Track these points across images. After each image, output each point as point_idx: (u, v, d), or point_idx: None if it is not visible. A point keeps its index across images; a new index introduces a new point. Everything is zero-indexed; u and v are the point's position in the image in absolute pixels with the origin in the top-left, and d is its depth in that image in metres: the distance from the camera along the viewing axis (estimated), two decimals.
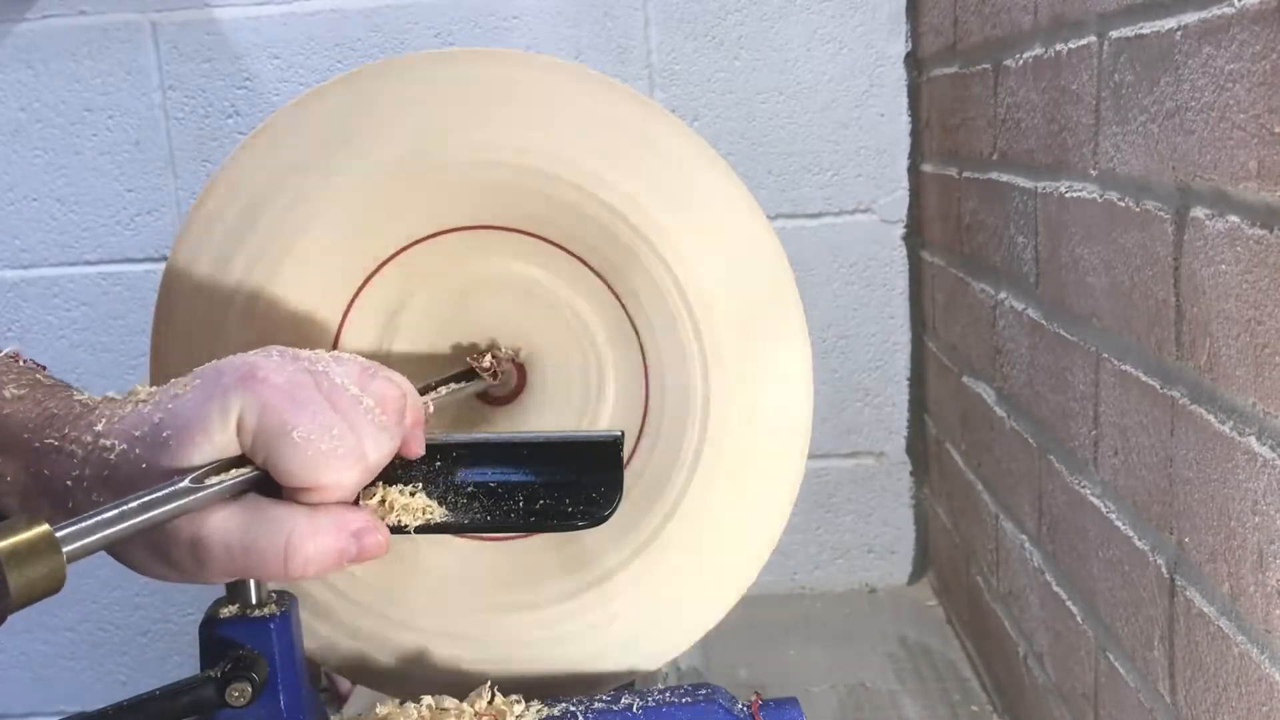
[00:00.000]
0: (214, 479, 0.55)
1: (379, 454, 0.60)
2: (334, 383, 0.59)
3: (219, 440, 0.56)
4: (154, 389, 0.60)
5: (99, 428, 0.58)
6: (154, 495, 0.52)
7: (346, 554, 0.59)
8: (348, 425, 0.58)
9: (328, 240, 0.77)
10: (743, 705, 0.71)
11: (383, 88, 0.76)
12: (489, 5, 1.46)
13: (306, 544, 0.57)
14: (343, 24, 1.47)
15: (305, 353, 0.61)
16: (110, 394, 0.62)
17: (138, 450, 0.56)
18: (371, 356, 0.80)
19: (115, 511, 0.50)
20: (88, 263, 1.54)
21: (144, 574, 0.59)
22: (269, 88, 1.49)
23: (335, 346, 0.79)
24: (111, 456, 0.56)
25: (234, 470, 0.56)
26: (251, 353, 0.60)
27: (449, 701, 0.70)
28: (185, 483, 0.53)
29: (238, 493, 0.56)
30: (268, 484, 0.58)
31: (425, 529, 0.66)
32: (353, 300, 0.79)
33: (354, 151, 0.75)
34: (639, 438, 0.80)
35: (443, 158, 0.76)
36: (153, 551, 0.57)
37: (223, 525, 0.56)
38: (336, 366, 0.61)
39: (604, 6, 1.46)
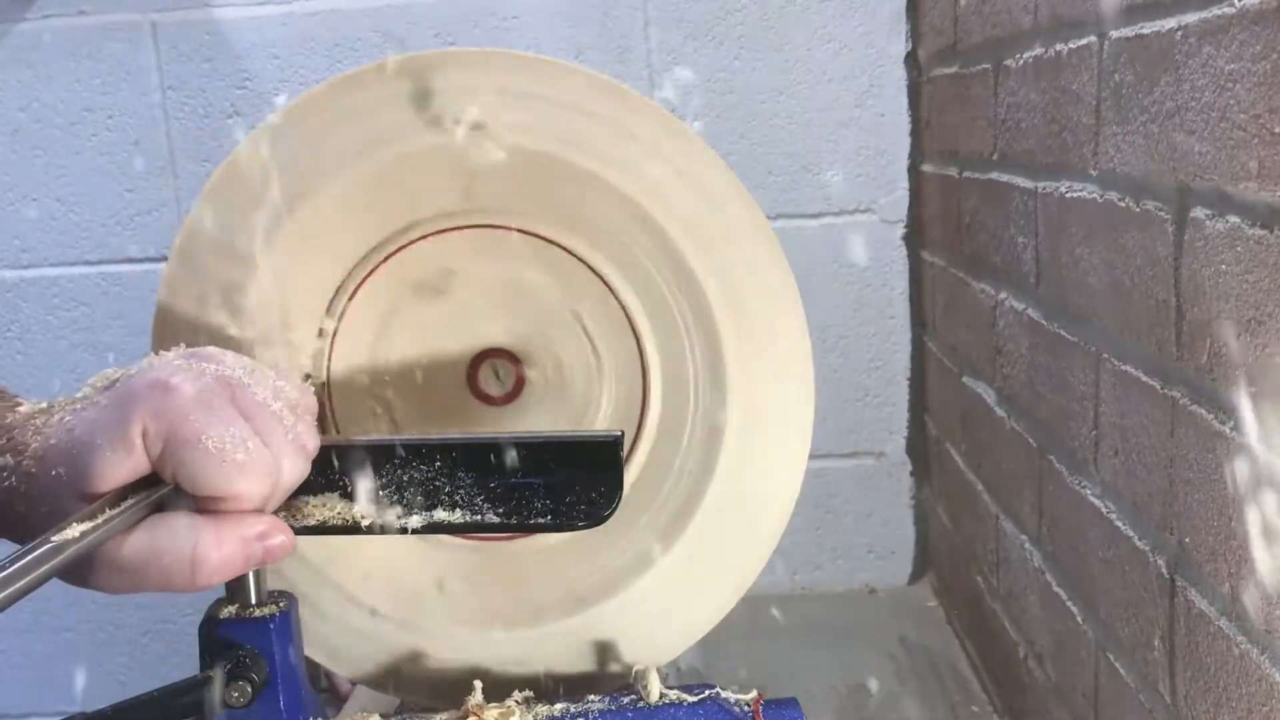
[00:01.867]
0: (116, 509, 0.54)
1: (294, 473, 0.60)
2: (252, 396, 0.59)
3: (126, 456, 0.55)
4: (80, 398, 0.59)
5: (24, 439, 0.57)
6: (30, 556, 0.49)
7: (252, 559, 0.58)
8: (262, 440, 0.58)
9: (318, 240, 0.76)
10: (744, 704, 0.70)
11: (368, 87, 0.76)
12: (489, 5, 1.46)
13: (212, 554, 0.56)
14: (343, 24, 1.47)
15: (233, 364, 0.61)
16: (43, 403, 0.61)
17: (54, 464, 0.56)
18: (369, 360, 0.80)
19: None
20: (88, 263, 1.54)
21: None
22: (269, 88, 1.49)
23: (331, 350, 0.79)
24: (32, 469, 0.56)
25: (129, 500, 0.55)
26: (169, 359, 0.60)
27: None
28: (59, 536, 0.51)
29: (141, 517, 0.55)
30: (174, 498, 0.57)
31: (426, 529, 0.66)
32: (349, 300, 0.79)
33: (345, 150, 0.75)
34: (636, 439, 0.80)
35: (440, 150, 0.75)
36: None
37: (129, 545, 0.56)
38: (261, 382, 0.60)
39: (604, 6, 1.46)
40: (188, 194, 1.51)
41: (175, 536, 0.56)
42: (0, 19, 1.48)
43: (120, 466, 0.55)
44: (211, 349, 0.62)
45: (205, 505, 0.57)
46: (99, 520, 0.53)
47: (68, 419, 0.57)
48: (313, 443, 0.62)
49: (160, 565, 0.56)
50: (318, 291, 0.78)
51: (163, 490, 0.56)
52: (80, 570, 0.55)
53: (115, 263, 1.54)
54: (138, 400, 0.56)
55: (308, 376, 0.76)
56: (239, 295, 0.76)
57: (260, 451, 0.57)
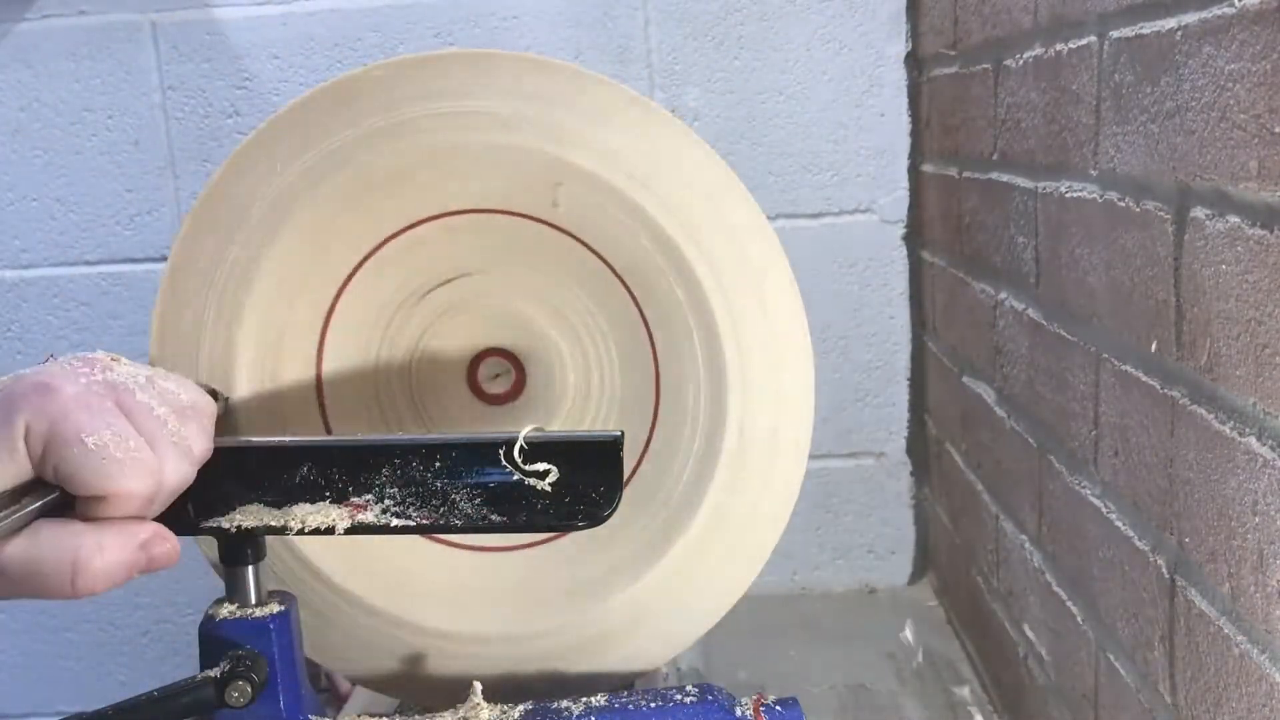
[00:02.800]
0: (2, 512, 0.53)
1: (177, 476, 0.59)
2: (135, 398, 0.59)
3: (9, 459, 0.55)
4: None
5: None
6: None
7: (136, 566, 0.57)
8: (145, 440, 0.57)
9: (309, 231, 0.76)
10: (744, 703, 0.71)
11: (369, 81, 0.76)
12: (489, 5, 1.46)
13: (93, 561, 0.56)
14: (343, 24, 1.47)
15: (120, 369, 0.60)
16: None
17: None
18: (369, 360, 0.80)
19: None
20: (88, 263, 1.54)
21: None
22: (269, 88, 1.49)
23: (321, 346, 0.79)
24: None
25: (14, 505, 0.54)
26: (55, 362, 0.60)
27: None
28: None
29: (24, 524, 0.55)
30: (57, 507, 0.56)
31: (426, 529, 0.66)
32: (338, 294, 0.78)
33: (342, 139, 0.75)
34: (647, 441, 0.80)
35: (444, 137, 0.75)
36: None
37: (9, 551, 0.55)
38: (145, 384, 0.60)
39: (604, 6, 1.46)
40: (188, 194, 1.51)
41: (56, 542, 0.55)
42: (0, 19, 1.48)
43: (3, 468, 0.54)
44: (101, 355, 0.62)
45: (88, 509, 0.56)
46: None
47: None
48: (200, 446, 0.62)
49: (39, 572, 0.55)
50: (314, 290, 0.78)
51: (49, 497, 0.55)
52: None
53: (115, 263, 1.54)
54: (19, 401, 0.55)
55: (216, 394, 0.75)
56: (238, 294, 0.76)
57: (142, 451, 0.57)
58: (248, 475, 0.65)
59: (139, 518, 0.58)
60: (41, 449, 0.55)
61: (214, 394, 0.75)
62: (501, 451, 0.65)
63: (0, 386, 0.57)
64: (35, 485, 0.56)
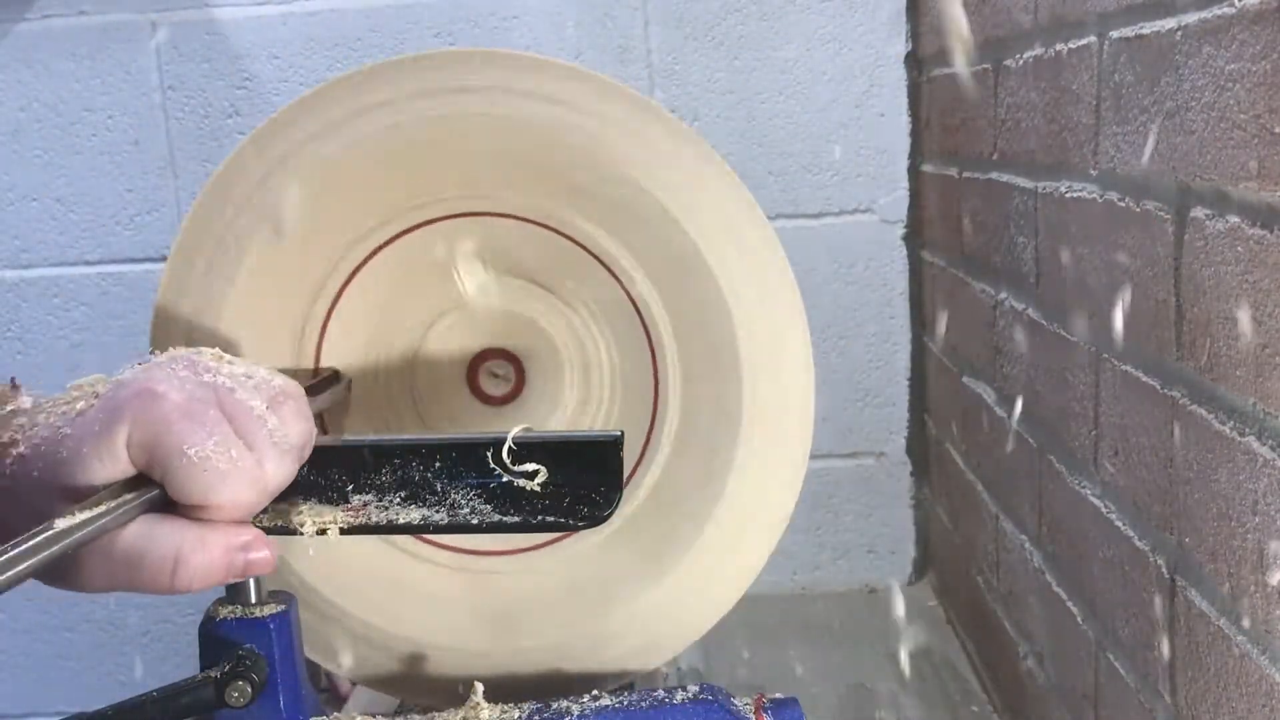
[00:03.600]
0: (102, 506, 0.54)
1: (279, 477, 0.59)
2: (237, 400, 0.59)
3: (111, 463, 0.55)
4: (65, 400, 0.59)
5: (12, 436, 0.57)
6: (32, 541, 0.50)
7: (233, 569, 0.58)
8: (246, 445, 0.58)
9: (311, 237, 0.77)
10: (744, 703, 0.71)
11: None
12: (489, 5, 1.46)
13: (194, 557, 0.56)
14: (343, 24, 1.47)
15: (216, 366, 0.61)
16: (26, 402, 0.61)
17: (36, 463, 0.56)
18: (369, 360, 0.80)
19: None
20: (88, 263, 1.54)
21: None
22: (269, 88, 1.49)
23: (320, 346, 0.79)
24: (15, 469, 0.56)
25: (125, 496, 0.55)
26: (158, 363, 0.60)
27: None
28: (63, 523, 0.51)
29: (127, 520, 0.55)
30: (162, 504, 0.57)
31: (426, 530, 0.66)
32: (346, 297, 0.79)
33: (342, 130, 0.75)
34: (645, 443, 0.80)
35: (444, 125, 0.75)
36: None
37: (123, 539, 0.55)
38: (246, 383, 0.60)
39: (604, 6, 1.46)
40: (188, 194, 1.51)
41: (162, 535, 0.56)
42: (0, 19, 1.48)
43: (103, 472, 0.55)
44: (202, 351, 0.62)
45: (192, 513, 0.57)
46: (99, 510, 0.53)
47: (54, 420, 0.57)
48: (298, 436, 0.61)
49: (143, 563, 0.56)
50: (311, 289, 0.78)
51: (151, 494, 0.56)
52: (68, 564, 0.55)
53: (115, 263, 1.54)
54: (124, 408, 0.56)
55: (337, 374, 0.77)
56: (236, 294, 0.76)
57: (244, 459, 0.57)
58: None
59: (242, 522, 0.58)
60: (146, 458, 0.56)
61: (337, 375, 0.77)
62: (489, 453, 0.65)
63: (106, 391, 0.58)
64: (140, 481, 0.56)
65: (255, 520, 0.63)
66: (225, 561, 0.57)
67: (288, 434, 0.60)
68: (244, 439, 0.58)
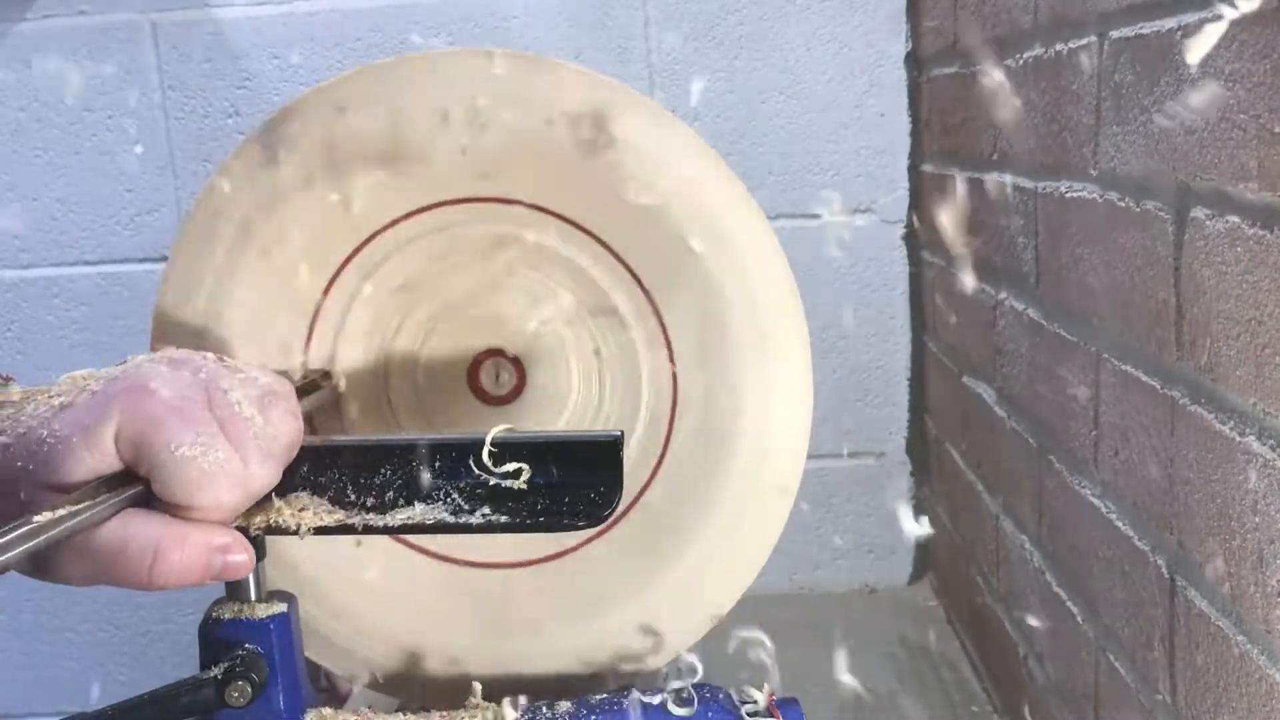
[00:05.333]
0: (85, 503, 0.54)
1: (263, 480, 0.59)
2: (229, 401, 0.59)
3: (98, 456, 0.55)
4: (54, 391, 0.59)
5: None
6: (13, 534, 0.50)
7: (211, 569, 0.58)
8: (233, 447, 0.58)
9: (308, 236, 0.77)
10: (743, 703, 0.71)
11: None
12: (489, 5, 1.46)
13: (172, 554, 0.56)
14: (343, 24, 1.47)
15: (209, 365, 0.61)
16: (15, 393, 0.61)
17: (22, 454, 0.56)
18: (369, 359, 0.80)
19: None
20: (88, 263, 1.54)
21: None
22: (269, 88, 1.49)
23: (310, 336, 0.79)
24: (1, 459, 0.56)
25: (108, 493, 0.55)
26: (151, 359, 0.60)
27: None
28: (43, 518, 0.52)
29: (117, 510, 0.55)
30: (145, 499, 0.57)
31: (426, 529, 0.65)
32: (330, 284, 0.79)
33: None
34: (665, 443, 0.80)
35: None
36: None
37: (103, 532, 0.55)
38: (238, 384, 0.60)
39: (604, 6, 1.46)
40: (188, 194, 1.51)
41: (144, 530, 0.56)
42: (0, 19, 1.48)
43: (89, 465, 0.55)
44: (193, 352, 0.62)
45: (175, 511, 0.57)
46: (80, 506, 0.53)
47: (43, 411, 0.57)
48: (286, 436, 0.61)
49: (123, 556, 0.56)
50: (311, 289, 0.78)
51: (135, 490, 0.56)
52: (51, 557, 0.55)
53: (115, 263, 1.54)
54: (114, 402, 0.56)
55: (327, 375, 0.77)
56: (234, 292, 0.77)
57: (230, 462, 0.57)
58: None
59: (224, 523, 0.58)
60: (133, 453, 0.56)
61: (327, 375, 0.77)
62: (500, 451, 0.64)
63: (98, 385, 0.58)
64: (125, 476, 0.56)
65: (248, 519, 0.63)
66: (203, 562, 0.57)
67: (275, 435, 0.60)
68: (231, 440, 0.58)
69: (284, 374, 0.66)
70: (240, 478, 0.58)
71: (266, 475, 0.60)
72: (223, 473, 0.57)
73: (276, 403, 0.61)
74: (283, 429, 0.61)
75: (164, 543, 0.56)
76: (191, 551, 0.57)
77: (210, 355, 0.62)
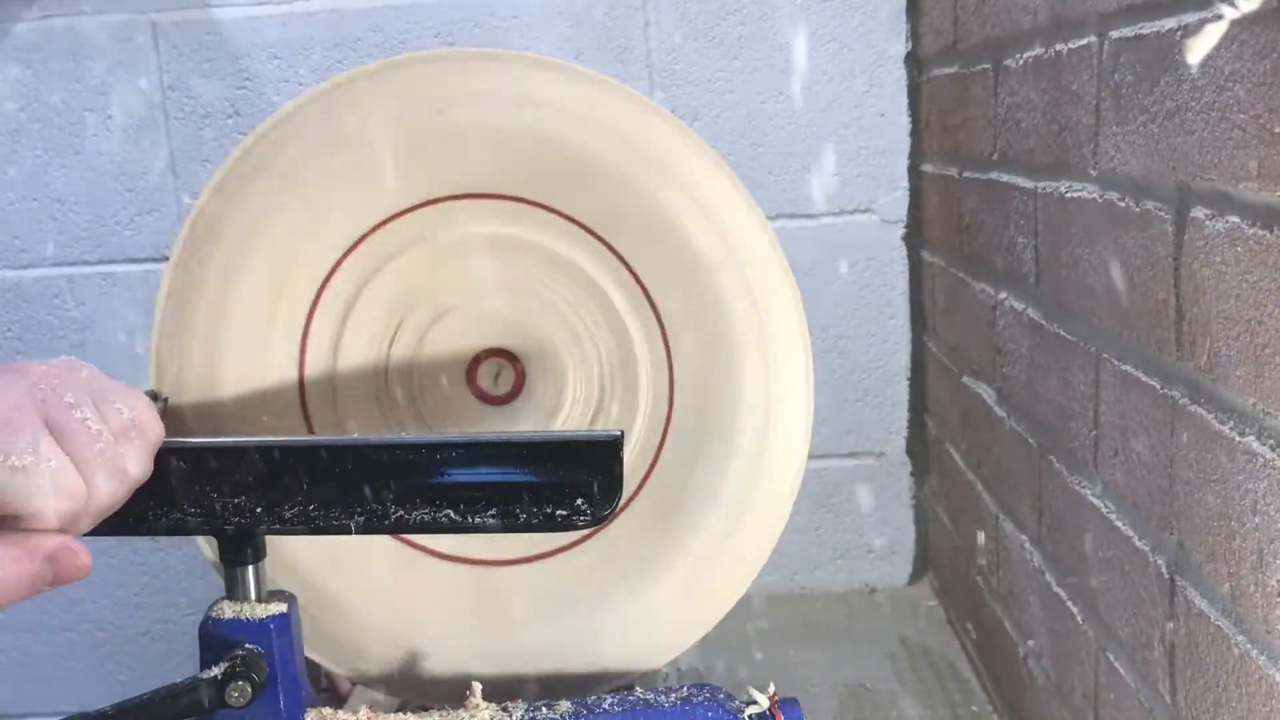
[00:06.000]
0: None
1: (105, 497, 0.58)
2: (69, 415, 0.57)
3: None
4: None
5: None
6: None
7: (41, 579, 0.56)
8: (69, 458, 0.56)
9: (307, 237, 0.77)
10: (741, 704, 0.71)
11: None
12: (489, 5, 1.46)
13: None
14: (343, 24, 1.47)
15: (61, 379, 0.59)
16: None
17: None
18: (369, 360, 0.80)
19: None
20: (87, 263, 1.54)
21: None
22: (269, 88, 1.49)
23: (305, 339, 0.79)
24: None
25: None
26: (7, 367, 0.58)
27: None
28: None
29: None
30: None
31: (426, 529, 0.66)
32: (325, 281, 0.79)
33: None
34: (662, 440, 0.80)
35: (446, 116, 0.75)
36: None
37: None
38: (86, 399, 0.59)
39: (604, 6, 1.46)
40: (188, 194, 1.51)
41: None
42: (0, 19, 1.48)
43: None
44: (62, 362, 0.61)
45: (8, 523, 0.55)
46: None
47: None
48: (136, 467, 0.60)
49: None
50: (311, 289, 0.78)
51: None
52: None
53: (115, 263, 1.54)
54: None
55: (155, 395, 0.74)
56: (237, 293, 0.77)
57: (64, 471, 0.56)
58: (243, 475, 0.65)
59: (52, 531, 0.56)
60: None
61: (154, 395, 0.75)
62: (501, 451, 0.64)
63: None
64: None
65: (235, 524, 0.62)
66: (30, 573, 0.55)
67: (122, 457, 0.59)
68: (69, 454, 0.56)
69: (151, 393, 0.64)
70: (74, 489, 0.56)
71: (110, 493, 0.58)
72: (53, 482, 0.55)
73: (137, 438, 0.60)
74: (132, 465, 0.59)
75: None
76: (11, 569, 0.55)
77: (76, 368, 0.61)
